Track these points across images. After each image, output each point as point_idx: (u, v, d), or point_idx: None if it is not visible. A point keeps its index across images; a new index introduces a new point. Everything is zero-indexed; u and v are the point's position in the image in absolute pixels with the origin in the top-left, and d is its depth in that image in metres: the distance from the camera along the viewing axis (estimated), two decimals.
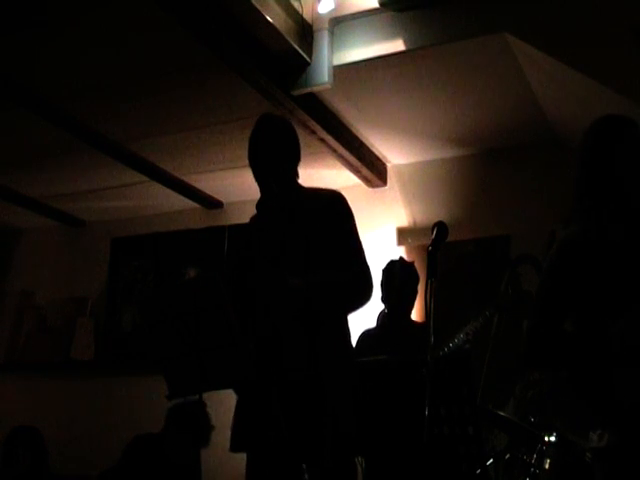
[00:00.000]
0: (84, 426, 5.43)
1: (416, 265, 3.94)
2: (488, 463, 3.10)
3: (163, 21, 3.33)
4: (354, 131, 4.56)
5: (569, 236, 2.10)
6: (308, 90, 3.79)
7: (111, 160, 4.79)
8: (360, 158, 4.67)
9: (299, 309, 2.32)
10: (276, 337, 2.34)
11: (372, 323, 3.99)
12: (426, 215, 4.86)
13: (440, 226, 2.34)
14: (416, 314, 4.26)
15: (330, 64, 3.68)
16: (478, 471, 2.82)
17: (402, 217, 5.00)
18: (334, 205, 2.53)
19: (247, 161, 2.55)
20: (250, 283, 2.44)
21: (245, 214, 2.71)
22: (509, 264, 4.27)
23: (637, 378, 1.93)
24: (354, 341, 3.78)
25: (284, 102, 3.85)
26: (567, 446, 3.04)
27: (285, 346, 2.33)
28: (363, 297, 2.48)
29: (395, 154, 4.95)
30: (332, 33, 3.69)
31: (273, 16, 3.38)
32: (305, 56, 3.65)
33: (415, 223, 4.95)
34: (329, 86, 3.74)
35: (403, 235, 4.96)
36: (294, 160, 2.59)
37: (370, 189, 5.06)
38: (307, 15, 3.64)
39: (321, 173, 4.82)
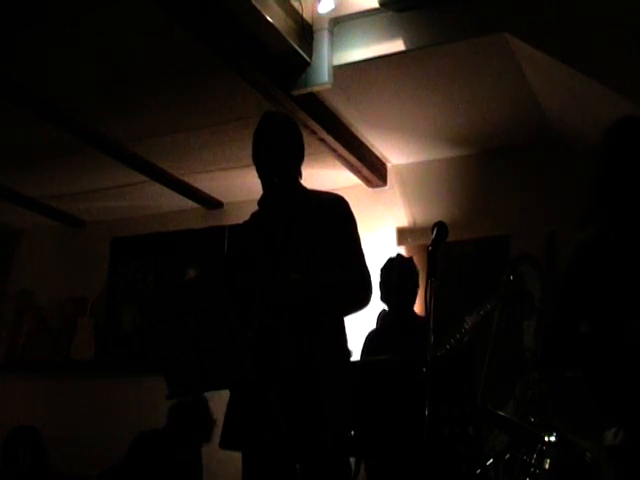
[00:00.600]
0: (84, 426, 5.43)
1: (416, 265, 3.94)
2: (488, 463, 3.09)
3: (163, 21, 3.33)
4: (354, 131, 4.56)
5: (588, 237, 2.10)
6: (308, 90, 3.79)
7: (111, 160, 4.79)
8: (360, 158, 4.67)
9: (299, 306, 2.32)
10: (275, 335, 2.34)
11: (371, 324, 3.99)
12: (426, 215, 4.86)
13: (440, 226, 2.34)
14: (418, 311, 4.26)
15: (330, 64, 3.68)
16: (478, 471, 2.82)
17: (402, 217, 5.00)
18: (337, 209, 2.54)
19: (247, 161, 2.55)
20: (249, 281, 2.44)
21: (245, 214, 2.71)
22: (509, 264, 4.28)
23: None
24: (360, 344, 3.80)
25: (284, 102, 3.85)
26: (567, 446, 3.04)
27: (283, 345, 2.33)
28: (362, 300, 2.47)
29: (395, 154, 4.95)
30: (332, 33, 3.69)
31: (273, 16, 3.38)
32: (305, 56, 3.66)
33: (415, 223, 4.95)
34: (329, 86, 3.74)
35: (403, 235, 4.96)
36: (298, 159, 2.58)
37: (370, 189, 5.06)
38: (307, 15, 3.64)
39: (321, 173, 4.82)
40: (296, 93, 3.79)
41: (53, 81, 3.97)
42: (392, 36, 3.59)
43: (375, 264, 3.90)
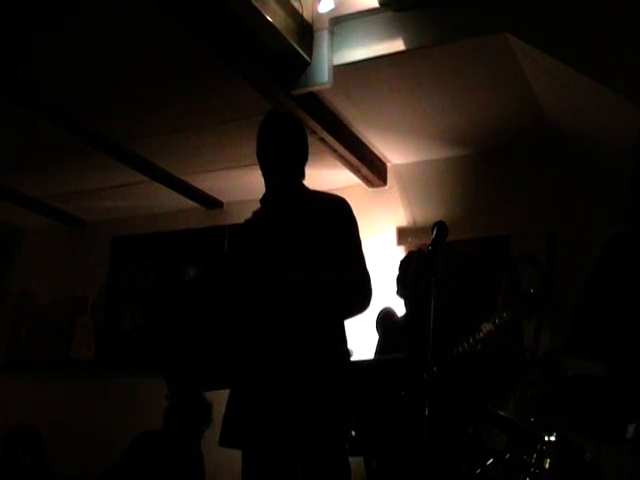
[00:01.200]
0: (84, 426, 5.43)
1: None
2: (488, 463, 3.10)
3: (163, 21, 3.33)
4: (354, 131, 4.56)
5: (621, 231, 2.11)
6: (308, 90, 3.79)
7: (111, 160, 4.79)
8: (360, 158, 4.67)
9: (299, 306, 2.32)
10: (275, 335, 2.34)
11: (371, 325, 3.99)
12: (426, 215, 4.86)
13: (440, 226, 2.34)
14: None
15: (330, 64, 3.68)
16: (478, 471, 2.83)
17: (402, 217, 5.00)
18: (339, 211, 2.54)
19: (247, 161, 2.56)
20: (249, 280, 2.44)
21: (245, 214, 2.70)
22: (509, 264, 4.27)
23: None
24: (359, 344, 3.77)
25: (284, 102, 3.85)
26: (567, 446, 3.04)
27: (284, 345, 2.33)
28: (361, 302, 2.47)
29: (395, 154, 4.95)
30: (332, 33, 3.69)
31: (273, 16, 3.38)
32: (305, 56, 3.66)
33: (415, 223, 4.95)
34: (329, 86, 3.74)
35: (403, 235, 4.96)
36: (302, 159, 2.58)
37: (370, 189, 5.06)
38: (307, 15, 3.64)
39: (321, 173, 4.82)
40: (296, 93, 3.79)
41: (53, 81, 3.97)
42: (392, 36, 3.59)
43: (375, 264, 3.91)
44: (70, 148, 4.66)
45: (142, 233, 5.80)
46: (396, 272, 3.73)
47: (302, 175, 2.59)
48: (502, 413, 3.28)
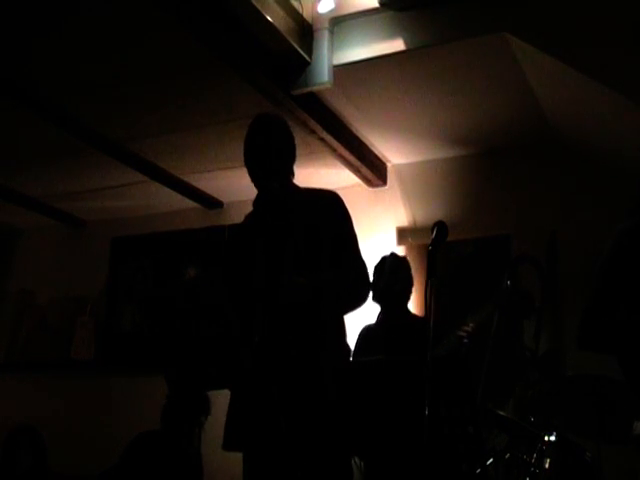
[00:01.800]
0: (84, 426, 5.43)
1: (416, 265, 3.93)
2: (488, 463, 3.09)
3: (163, 21, 3.33)
4: (354, 131, 4.56)
5: (630, 225, 2.12)
6: (308, 90, 3.79)
7: (111, 160, 4.79)
8: (360, 158, 4.67)
9: (301, 307, 2.32)
10: (276, 336, 2.34)
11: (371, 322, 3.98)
12: (426, 215, 4.86)
13: (440, 226, 2.34)
14: (416, 311, 4.25)
15: (330, 64, 3.68)
16: (478, 471, 2.82)
17: (402, 217, 5.00)
18: (332, 206, 2.55)
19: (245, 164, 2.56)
20: (248, 282, 2.44)
21: (245, 214, 2.71)
22: (509, 264, 4.27)
23: None
24: (354, 340, 3.78)
25: (284, 102, 3.85)
26: (567, 446, 3.04)
27: (285, 345, 2.33)
28: (361, 296, 2.49)
29: (395, 154, 4.95)
30: (332, 33, 3.69)
31: (273, 16, 3.38)
32: (305, 56, 3.65)
33: (415, 223, 4.95)
34: (329, 86, 3.74)
35: (403, 235, 4.96)
36: (291, 159, 2.60)
37: (370, 189, 5.06)
38: (307, 15, 3.64)
39: (321, 173, 4.82)
40: (296, 93, 3.79)
41: (53, 81, 3.97)
42: (392, 36, 3.59)
43: (375, 264, 3.91)
44: (70, 148, 4.66)
45: (142, 233, 5.80)
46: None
47: (292, 174, 2.60)
48: (502, 413, 3.27)
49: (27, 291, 6.13)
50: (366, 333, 3.83)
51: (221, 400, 2.53)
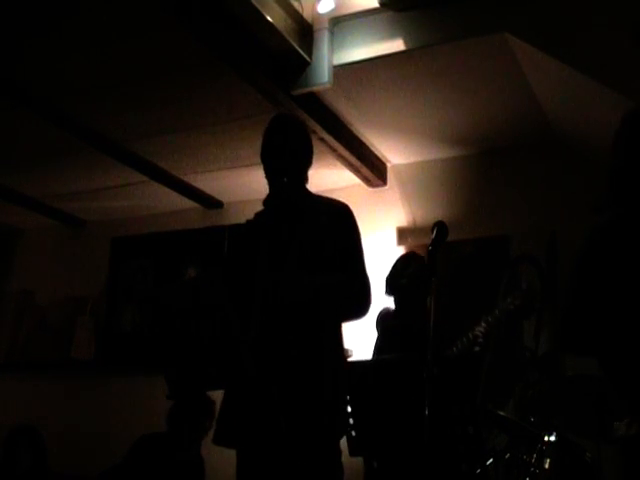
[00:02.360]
0: (84, 426, 5.43)
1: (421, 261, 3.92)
2: (488, 463, 3.10)
3: (163, 21, 3.33)
4: (354, 131, 4.56)
5: (605, 221, 2.10)
6: (308, 90, 3.79)
7: (111, 160, 4.79)
8: (360, 158, 4.67)
9: (299, 306, 2.32)
10: (275, 335, 2.34)
11: (371, 324, 3.98)
12: (426, 215, 4.86)
13: (440, 226, 2.34)
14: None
15: (330, 64, 3.68)
16: (478, 471, 2.82)
17: (402, 217, 5.00)
18: (342, 217, 2.56)
19: (247, 161, 2.57)
20: (249, 280, 2.44)
21: (245, 214, 2.71)
22: (509, 264, 4.27)
23: None
24: (358, 344, 3.77)
25: (284, 102, 3.85)
26: (567, 446, 3.05)
27: (284, 345, 2.33)
28: (360, 307, 2.48)
29: (395, 154, 4.95)
30: (332, 33, 3.69)
31: (273, 16, 3.38)
32: (305, 56, 3.65)
33: (415, 223, 4.95)
34: (329, 86, 3.74)
35: (403, 235, 4.96)
36: (306, 163, 2.62)
37: (370, 189, 5.06)
38: (307, 15, 3.64)
39: (321, 173, 4.82)
40: (296, 93, 3.79)
41: (53, 81, 3.96)
42: (392, 36, 3.59)
43: (375, 265, 3.91)
44: (70, 148, 4.66)
45: (142, 233, 5.80)
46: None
47: (306, 179, 2.60)
48: (502, 413, 3.28)
49: (27, 291, 6.12)
50: (389, 326, 3.81)
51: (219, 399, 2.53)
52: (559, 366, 4.00)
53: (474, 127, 4.51)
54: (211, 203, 5.63)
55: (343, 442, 2.58)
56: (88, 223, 6.13)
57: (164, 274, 5.61)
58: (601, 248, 2.05)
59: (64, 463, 4.83)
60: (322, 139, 4.29)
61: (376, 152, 4.89)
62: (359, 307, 2.48)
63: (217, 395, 3.09)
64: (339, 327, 2.50)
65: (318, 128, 4.16)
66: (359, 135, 4.62)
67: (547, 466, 2.97)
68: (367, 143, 4.74)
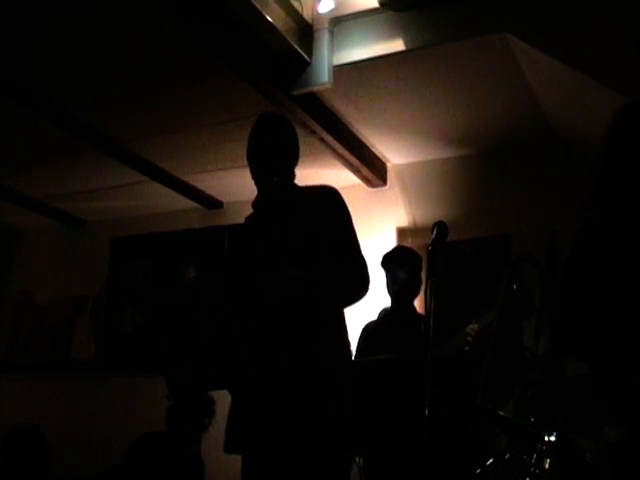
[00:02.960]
0: (84, 426, 5.43)
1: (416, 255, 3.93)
2: (488, 463, 3.10)
3: (163, 21, 3.34)
4: (354, 131, 4.56)
5: (592, 220, 2.08)
6: (308, 90, 3.79)
7: (111, 160, 4.79)
8: (360, 158, 4.67)
9: (297, 303, 2.31)
10: (274, 334, 2.33)
11: (373, 318, 3.99)
12: (426, 215, 4.86)
13: (440, 226, 2.34)
14: (419, 308, 4.25)
15: (330, 64, 3.68)
16: (478, 471, 2.82)
17: (402, 217, 5.00)
18: (329, 200, 2.54)
19: (247, 161, 2.56)
20: (247, 280, 2.44)
21: (245, 214, 2.71)
22: (509, 264, 4.27)
23: None
24: (356, 336, 3.78)
25: (284, 102, 3.85)
26: (567, 446, 3.04)
27: (283, 343, 2.33)
28: (359, 290, 2.47)
29: (395, 154, 4.95)
30: (332, 33, 3.69)
31: (273, 16, 3.38)
32: (305, 56, 3.66)
33: (415, 223, 4.95)
34: (329, 86, 3.74)
35: (403, 235, 4.96)
36: (293, 160, 2.60)
37: (370, 189, 5.06)
38: (307, 15, 3.64)
39: (321, 173, 4.82)
40: (296, 93, 3.79)
41: (53, 81, 3.97)
42: (392, 36, 3.59)
43: (375, 264, 3.91)
44: (70, 148, 4.66)
45: (142, 233, 5.80)
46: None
47: (294, 176, 2.60)
48: (502, 413, 3.28)
49: (27, 291, 6.13)
50: (368, 331, 3.84)
51: (222, 400, 2.53)
52: (559, 366, 4.00)
53: (474, 127, 4.51)
54: (211, 203, 5.63)
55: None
56: (88, 223, 6.13)
57: (164, 274, 5.61)
58: (589, 249, 2.03)
59: (64, 463, 4.83)
60: (322, 139, 4.29)
61: (376, 152, 4.89)
62: (358, 291, 2.45)
63: (218, 395, 3.09)
64: (341, 323, 2.49)
65: (318, 128, 4.16)
66: (359, 135, 4.62)
67: (547, 466, 2.97)
68: (367, 143, 4.74)
